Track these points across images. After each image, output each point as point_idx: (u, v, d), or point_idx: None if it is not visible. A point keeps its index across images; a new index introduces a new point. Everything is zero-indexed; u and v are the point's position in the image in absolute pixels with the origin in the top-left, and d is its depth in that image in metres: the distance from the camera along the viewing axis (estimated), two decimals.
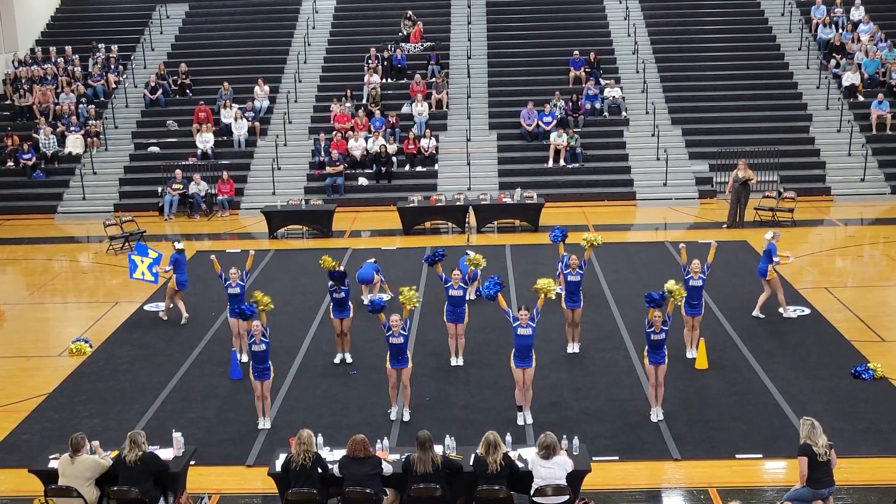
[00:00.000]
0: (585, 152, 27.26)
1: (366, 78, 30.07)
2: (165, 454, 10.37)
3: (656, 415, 12.46)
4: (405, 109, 29.11)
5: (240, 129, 28.42)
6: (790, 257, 17.10)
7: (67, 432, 10.85)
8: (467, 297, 14.87)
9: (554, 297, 14.29)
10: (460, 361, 14.54)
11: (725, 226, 22.80)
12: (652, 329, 12.19)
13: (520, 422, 12.39)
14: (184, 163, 27.16)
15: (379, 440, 10.61)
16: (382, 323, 12.48)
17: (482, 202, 23.38)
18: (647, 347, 12.39)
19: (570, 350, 14.89)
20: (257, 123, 28.90)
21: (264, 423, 12.57)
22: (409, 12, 32.52)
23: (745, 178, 22.74)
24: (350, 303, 14.67)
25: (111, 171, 27.89)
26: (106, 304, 18.37)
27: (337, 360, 14.80)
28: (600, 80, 29.68)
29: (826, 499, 9.70)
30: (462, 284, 14.37)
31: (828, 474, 9.61)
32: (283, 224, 23.47)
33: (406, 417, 12.63)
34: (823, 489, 9.63)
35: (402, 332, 12.39)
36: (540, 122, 27.84)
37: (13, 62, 31.81)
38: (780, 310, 16.29)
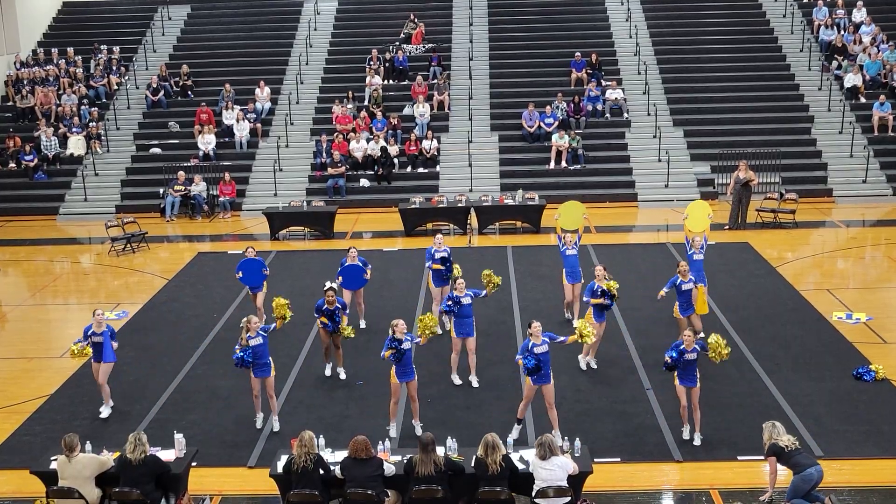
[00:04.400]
0: (587, 154, 27.26)
1: (367, 79, 30.09)
2: (167, 455, 10.38)
3: (688, 433, 11.91)
4: (407, 111, 29.13)
5: (241, 131, 28.44)
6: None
7: (69, 433, 10.83)
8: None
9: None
10: (475, 382, 13.82)
11: (727, 227, 22.78)
12: (683, 348, 11.58)
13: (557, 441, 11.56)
14: (185, 164, 27.19)
15: (381, 441, 10.62)
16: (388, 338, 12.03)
17: (484, 203, 23.39)
18: (677, 370, 11.70)
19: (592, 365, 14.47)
20: (259, 125, 28.92)
21: (272, 423, 12.52)
22: (412, 14, 32.55)
23: (747, 180, 22.73)
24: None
25: (113, 173, 27.92)
26: (108, 305, 18.38)
27: (328, 374, 14.32)
28: (602, 81, 29.69)
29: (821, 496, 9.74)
30: (468, 293, 13.54)
31: (805, 456, 9.80)
32: (284, 225, 23.48)
33: (418, 431, 12.12)
34: (810, 468, 9.74)
35: (408, 336, 11.92)
36: (541, 124, 27.85)
37: (15, 63, 31.86)
38: None
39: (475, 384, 13.77)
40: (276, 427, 12.48)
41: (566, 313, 16.38)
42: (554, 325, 15.56)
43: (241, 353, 12.04)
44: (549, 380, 11.67)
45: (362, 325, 16.27)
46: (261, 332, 12.23)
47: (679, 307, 14.35)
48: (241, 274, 16.14)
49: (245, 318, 12.37)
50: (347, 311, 14.28)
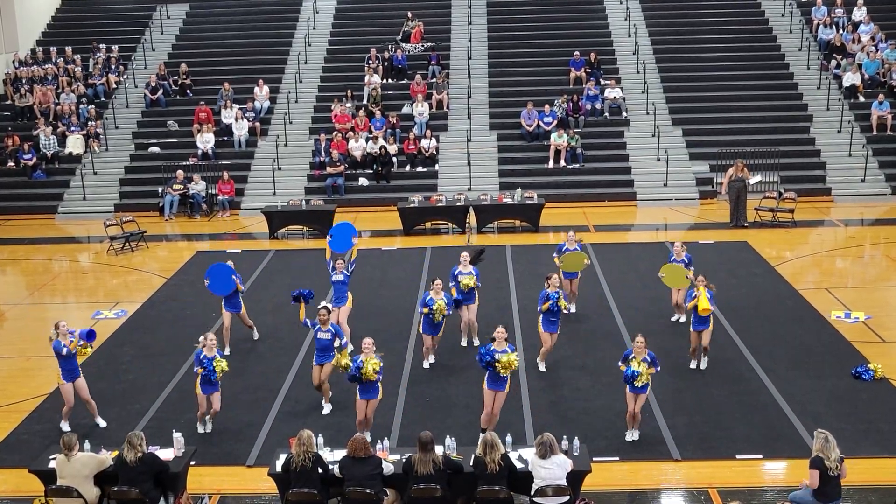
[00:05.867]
0: (586, 153, 27.26)
1: (366, 78, 30.08)
2: (165, 454, 10.38)
3: (631, 435, 12.00)
4: (406, 110, 29.11)
5: (240, 130, 28.43)
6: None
7: (68, 432, 10.83)
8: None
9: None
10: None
11: (731, 225, 22.81)
12: (632, 356, 11.67)
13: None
14: (184, 163, 27.17)
15: (379, 440, 10.62)
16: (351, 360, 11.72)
17: (482, 202, 23.38)
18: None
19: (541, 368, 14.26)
20: (258, 124, 28.90)
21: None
22: (410, 13, 32.55)
23: (743, 179, 22.75)
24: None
25: (112, 172, 27.91)
26: (106, 304, 18.37)
27: (326, 412, 13.02)
28: (601, 80, 29.68)
29: None
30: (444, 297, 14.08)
31: (837, 488, 9.55)
32: (283, 224, 23.47)
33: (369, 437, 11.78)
34: (831, 503, 9.59)
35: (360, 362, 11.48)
36: (540, 123, 27.84)
37: (14, 62, 31.85)
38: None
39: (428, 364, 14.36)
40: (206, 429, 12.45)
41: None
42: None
43: (204, 363, 12.06)
44: (503, 387, 11.68)
45: (350, 348, 14.02)
46: (218, 353, 12.18)
47: (693, 321, 13.82)
48: (208, 281, 15.03)
49: (203, 336, 12.22)
50: (346, 342, 13.47)
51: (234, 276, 15.08)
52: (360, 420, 11.82)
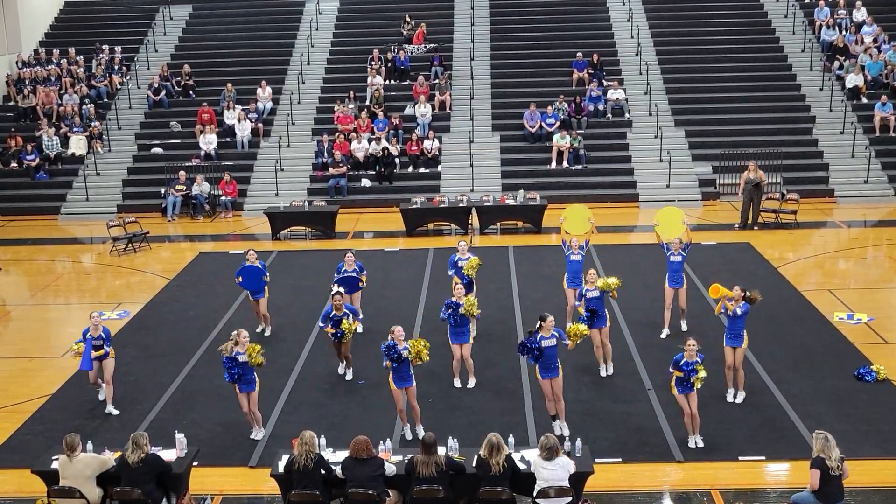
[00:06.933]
0: (588, 154, 27.25)
1: (369, 79, 30.09)
2: (168, 455, 10.39)
3: (694, 442, 11.86)
4: (408, 111, 29.12)
5: (243, 131, 28.44)
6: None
7: (70, 433, 10.84)
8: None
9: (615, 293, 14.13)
10: (472, 383, 13.81)
11: (737, 227, 22.79)
12: (685, 360, 11.39)
13: (557, 431, 11.89)
14: (187, 164, 27.19)
15: (382, 441, 10.62)
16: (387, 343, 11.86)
17: (485, 203, 23.38)
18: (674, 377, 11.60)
19: (602, 373, 14.11)
20: (260, 125, 28.92)
21: (256, 433, 12.44)
22: (407, 15, 32.56)
23: (757, 180, 22.72)
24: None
25: (114, 172, 27.93)
26: (109, 305, 18.38)
27: (340, 371, 14.32)
28: (603, 81, 29.67)
29: None
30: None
31: (838, 488, 9.55)
32: (285, 225, 23.48)
33: (420, 432, 12.03)
34: (833, 503, 9.58)
35: (406, 345, 11.82)
36: (543, 124, 27.84)
37: (17, 63, 31.88)
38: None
39: (471, 385, 13.78)
40: (259, 436, 12.36)
41: (568, 321, 15.34)
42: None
43: (234, 370, 11.91)
44: (557, 373, 11.94)
45: (359, 329, 15.50)
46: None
47: (726, 336, 12.94)
48: (240, 279, 15.95)
49: (235, 332, 12.15)
50: (361, 317, 13.91)
51: (264, 277, 15.93)
52: (401, 409, 12.01)
